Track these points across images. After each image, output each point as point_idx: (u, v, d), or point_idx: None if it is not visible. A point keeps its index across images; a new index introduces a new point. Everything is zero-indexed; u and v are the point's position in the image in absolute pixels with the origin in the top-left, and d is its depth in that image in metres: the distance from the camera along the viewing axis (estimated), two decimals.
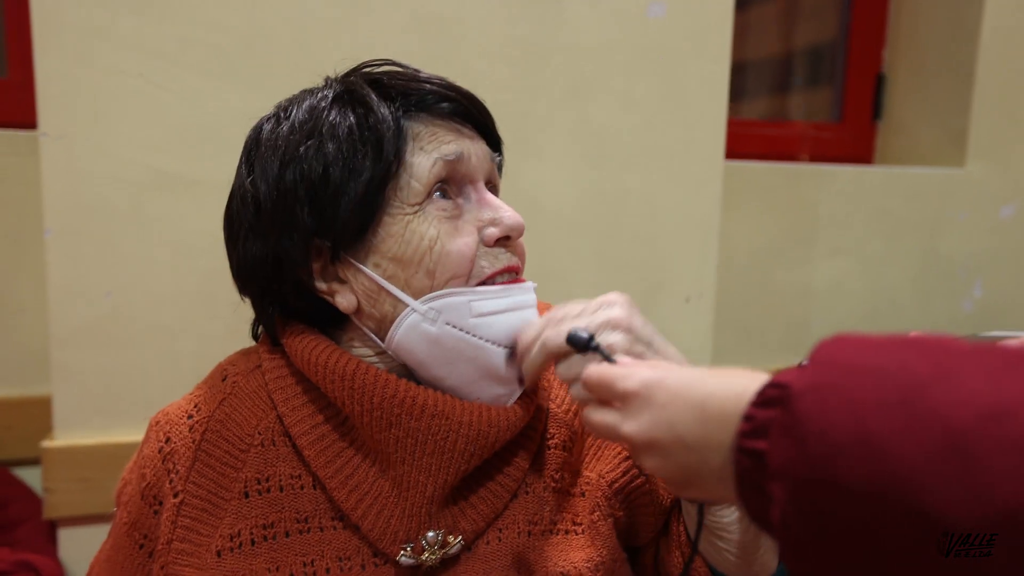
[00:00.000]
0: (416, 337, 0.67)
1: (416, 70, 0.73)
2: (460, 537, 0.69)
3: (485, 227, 0.70)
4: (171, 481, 0.70)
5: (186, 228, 1.17)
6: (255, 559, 0.67)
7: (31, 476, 1.36)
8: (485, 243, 0.70)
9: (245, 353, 0.78)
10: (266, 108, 0.75)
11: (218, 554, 0.67)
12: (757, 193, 1.72)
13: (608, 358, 0.60)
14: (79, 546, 1.21)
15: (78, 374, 1.16)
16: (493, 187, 0.76)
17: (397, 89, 0.69)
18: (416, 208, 0.67)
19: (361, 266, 0.68)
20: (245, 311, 0.79)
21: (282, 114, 0.71)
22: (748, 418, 0.44)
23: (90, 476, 1.16)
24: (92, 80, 1.11)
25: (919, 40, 1.92)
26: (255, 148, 0.71)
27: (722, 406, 0.47)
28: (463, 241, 0.68)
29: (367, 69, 0.73)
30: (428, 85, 0.70)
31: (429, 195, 0.68)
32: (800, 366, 0.44)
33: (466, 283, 0.68)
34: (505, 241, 0.71)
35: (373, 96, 0.68)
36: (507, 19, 1.27)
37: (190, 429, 0.71)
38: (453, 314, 0.66)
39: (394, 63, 0.74)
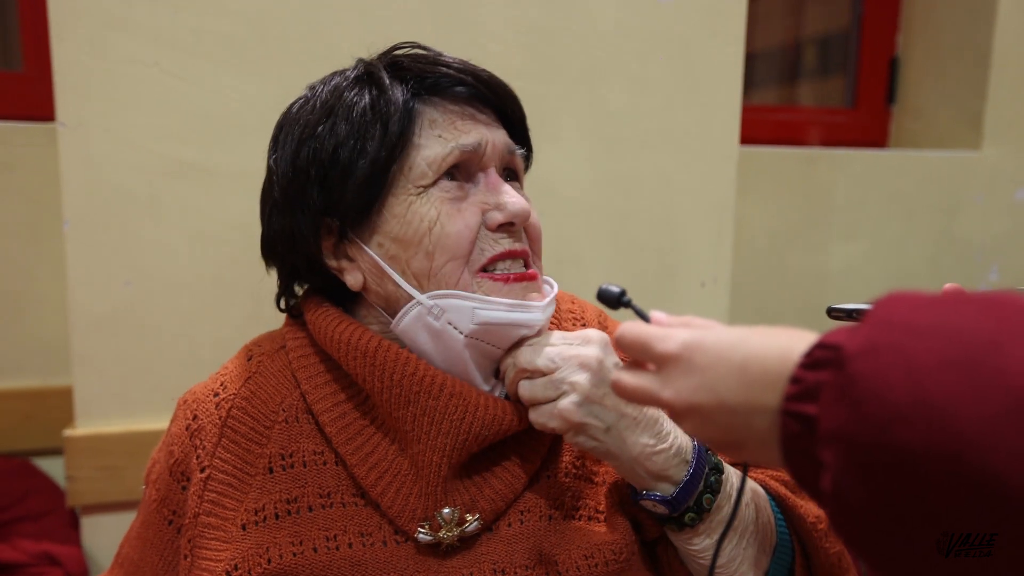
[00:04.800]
0: (420, 328, 0.69)
1: (439, 53, 0.73)
2: (478, 515, 0.69)
3: (490, 211, 0.70)
4: (198, 457, 0.71)
5: (203, 216, 1.17)
6: (279, 532, 0.68)
7: (54, 466, 1.37)
8: (488, 227, 0.70)
9: (271, 334, 0.80)
10: (280, 96, 0.76)
11: (243, 527, 0.68)
12: (772, 178, 1.71)
13: (643, 315, 0.58)
14: (102, 533, 1.21)
15: (99, 363, 1.16)
16: (513, 172, 0.75)
17: (414, 72, 0.70)
18: (421, 190, 0.68)
19: (364, 246, 0.70)
20: (263, 298, 0.80)
21: (310, 93, 0.73)
22: (795, 380, 0.42)
23: (112, 464, 1.17)
24: (108, 70, 1.12)
25: (934, 23, 1.90)
26: (283, 127, 0.74)
27: (765, 367, 0.45)
28: (463, 223, 0.68)
29: (397, 52, 0.74)
30: (445, 68, 0.70)
31: (437, 180, 0.69)
32: (849, 327, 0.41)
33: (465, 265, 0.68)
34: (509, 227, 0.71)
35: (386, 79, 0.69)
36: (522, 4, 1.27)
37: (216, 406, 0.72)
38: (456, 315, 0.68)
39: (420, 46, 0.74)
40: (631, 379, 0.54)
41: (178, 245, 1.17)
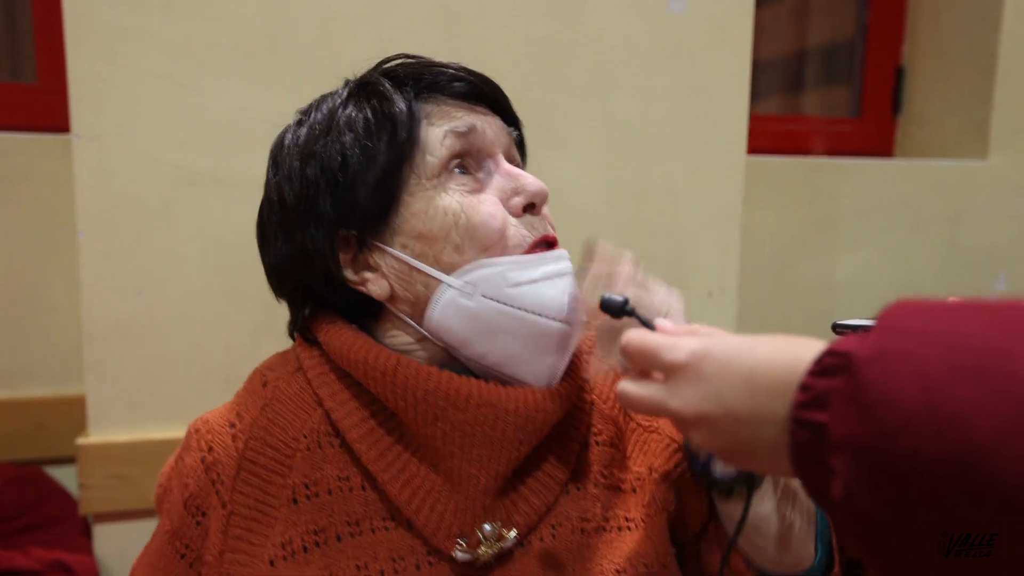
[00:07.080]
0: (453, 313, 0.66)
1: (430, 59, 0.73)
2: (515, 530, 0.67)
3: (509, 198, 0.69)
4: (217, 492, 0.68)
5: (214, 225, 1.19)
6: (308, 566, 0.65)
7: (66, 474, 1.38)
8: (513, 213, 0.69)
9: (282, 356, 0.77)
10: (291, 106, 0.76)
11: (271, 563, 0.66)
12: (779, 187, 1.72)
13: (647, 324, 0.57)
14: (115, 542, 1.22)
15: (112, 371, 1.17)
16: (514, 164, 0.74)
17: (410, 76, 0.70)
18: (435, 182, 0.67)
19: (389, 248, 0.68)
20: (274, 307, 0.80)
21: (304, 118, 0.72)
22: (805, 388, 0.42)
23: (125, 472, 1.18)
24: (122, 81, 1.13)
25: (940, 32, 1.91)
26: (279, 152, 0.72)
27: (773, 376, 0.45)
28: (487, 211, 0.67)
29: (386, 66, 0.73)
30: (440, 68, 0.71)
31: (446, 169, 0.68)
32: (859, 333, 0.41)
33: (503, 254, 0.67)
34: (532, 209, 0.70)
35: (387, 85, 0.69)
36: (529, 15, 1.28)
37: (233, 438, 0.70)
38: (488, 286, 0.65)
39: (408, 56, 0.74)
40: (638, 389, 0.53)
41: (190, 254, 1.19)
